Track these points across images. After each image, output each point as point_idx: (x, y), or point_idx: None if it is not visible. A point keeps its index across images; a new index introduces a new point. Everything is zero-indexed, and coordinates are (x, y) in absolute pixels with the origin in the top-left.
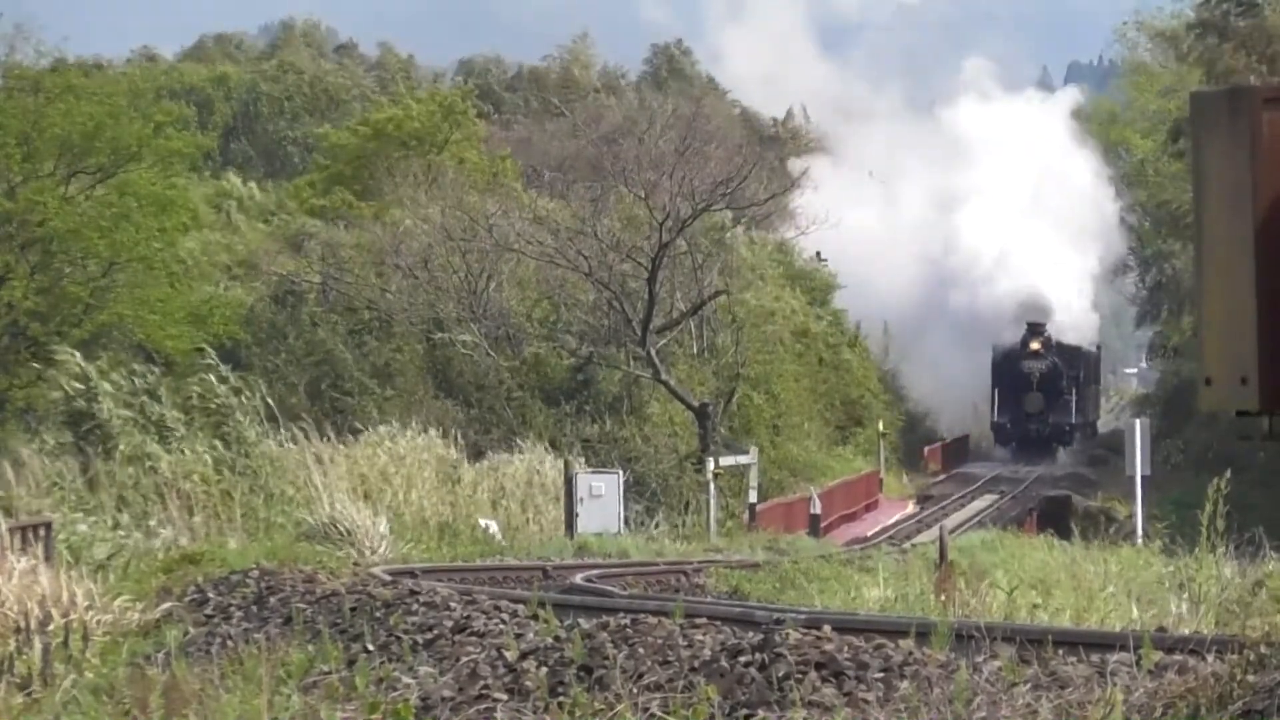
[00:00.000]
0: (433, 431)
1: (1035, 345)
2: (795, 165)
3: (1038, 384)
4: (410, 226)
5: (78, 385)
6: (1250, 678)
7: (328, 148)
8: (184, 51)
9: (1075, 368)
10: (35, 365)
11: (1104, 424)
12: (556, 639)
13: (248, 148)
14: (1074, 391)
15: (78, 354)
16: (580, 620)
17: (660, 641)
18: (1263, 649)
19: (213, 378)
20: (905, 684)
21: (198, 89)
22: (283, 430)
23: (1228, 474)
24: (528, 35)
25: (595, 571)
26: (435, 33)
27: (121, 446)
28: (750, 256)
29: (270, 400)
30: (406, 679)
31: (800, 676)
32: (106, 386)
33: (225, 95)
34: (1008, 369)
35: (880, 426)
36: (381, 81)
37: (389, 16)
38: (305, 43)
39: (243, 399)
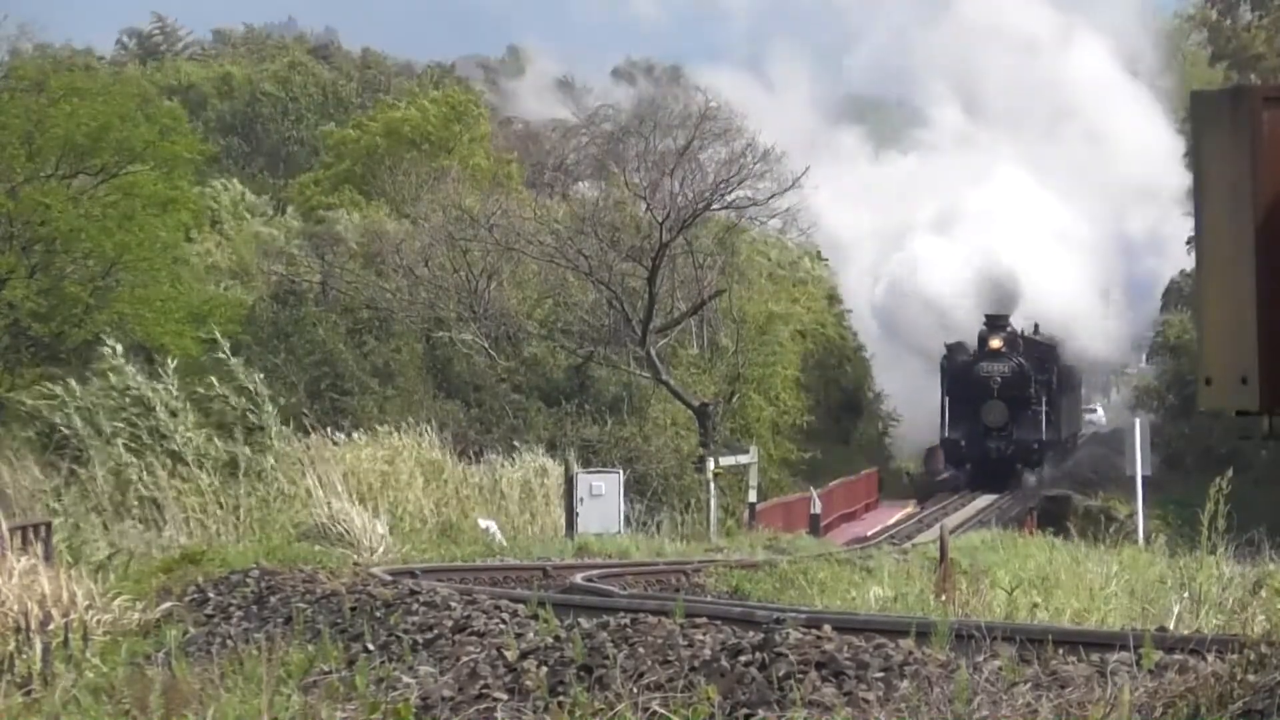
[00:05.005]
0: (432, 431)
1: (996, 343)
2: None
3: (999, 391)
4: (411, 226)
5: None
6: (1250, 677)
7: (333, 145)
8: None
9: (1047, 370)
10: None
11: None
12: (556, 638)
13: (243, 144)
14: (1044, 400)
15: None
16: (580, 620)
17: (660, 641)
18: (1263, 649)
19: (214, 379)
20: (905, 684)
21: (195, 86)
22: (281, 429)
23: (1229, 473)
24: (489, 27)
25: (595, 571)
26: (407, 27)
27: (104, 457)
28: (765, 261)
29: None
30: (406, 679)
31: (800, 676)
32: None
33: (227, 94)
34: (962, 372)
35: (880, 426)
36: (376, 82)
37: (350, 12)
38: (280, 43)
39: (251, 394)
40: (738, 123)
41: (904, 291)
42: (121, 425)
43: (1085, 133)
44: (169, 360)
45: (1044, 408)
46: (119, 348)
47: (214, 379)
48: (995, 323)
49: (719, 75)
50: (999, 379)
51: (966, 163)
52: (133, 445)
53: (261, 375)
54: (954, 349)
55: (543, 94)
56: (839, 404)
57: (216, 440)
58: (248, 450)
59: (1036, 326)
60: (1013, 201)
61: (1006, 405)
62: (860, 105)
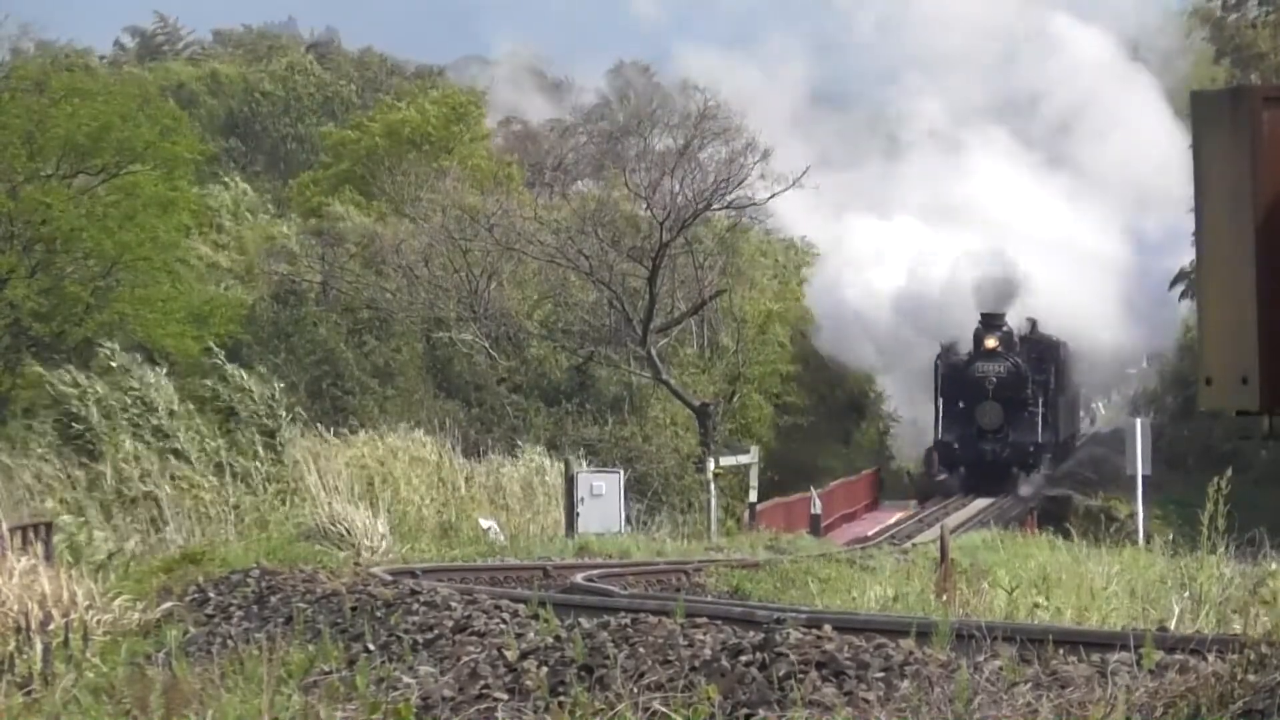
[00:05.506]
0: (432, 431)
1: (991, 342)
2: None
3: (994, 392)
4: (411, 226)
5: (69, 390)
6: (1251, 677)
7: (332, 145)
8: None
9: (1044, 371)
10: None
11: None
12: (557, 638)
13: (241, 144)
14: (1041, 401)
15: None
16: (581, 620)
17: (661, 641)
18: (1263, 648)
19: (240, 373)
20: (906, 683)
21: (185, 85)
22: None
23: (1229, 473)
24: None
25: (596, 571)
26: (407, 28)
27: (114, 450)
28: (768, 260)
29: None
30: (407, 679)
31: (801, 676)
32: (98, 391)
33: (217, 92)
34: (956, 373)
35: (881, 426)
36: (375, 81)
37: (350, 12)
38: (273, 43)
39: (263, 394)
40: (737, 121)
41: (834, 299)
42: (125, 423)
43: (1087, 127)
44: (162, 364)
45: (1041, 409)
46: (115, 348)
47: (239, 375)
48: (991, 321)
49: (710, 58)
50: (994, 379)
51: (956, 160)
52: (138, 442)
53: (282, 385)
54: (947, 346)
55: (518, 82)
56: (841, 404)
57: (219, 440)
58: (244, 456)
59: (1034, 324)
60: (1005, 196)
61: (1002, 406)
62: (846, 103)
